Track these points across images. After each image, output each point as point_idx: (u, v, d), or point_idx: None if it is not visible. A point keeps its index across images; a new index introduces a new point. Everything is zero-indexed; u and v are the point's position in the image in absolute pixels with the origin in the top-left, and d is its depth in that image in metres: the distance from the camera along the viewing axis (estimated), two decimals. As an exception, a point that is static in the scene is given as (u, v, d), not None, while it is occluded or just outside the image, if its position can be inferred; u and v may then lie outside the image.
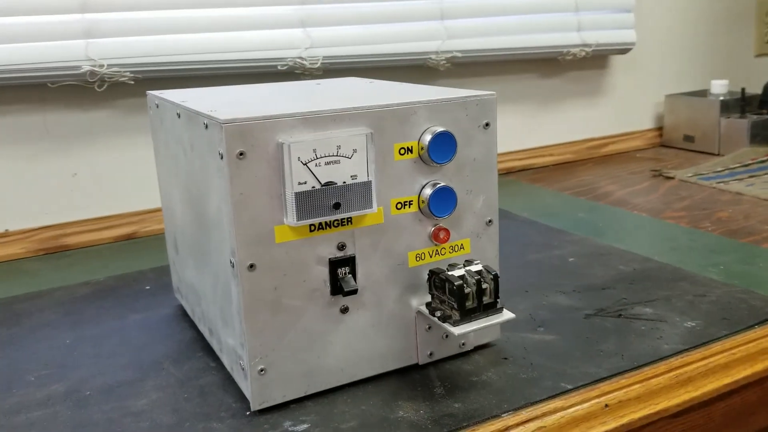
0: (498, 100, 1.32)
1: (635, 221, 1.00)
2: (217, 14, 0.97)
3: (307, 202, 0.51)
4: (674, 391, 0.58)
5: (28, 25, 0.86)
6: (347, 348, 0.56)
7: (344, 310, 0.55)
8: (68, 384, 0.59)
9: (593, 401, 0.55)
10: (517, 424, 0.52)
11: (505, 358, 0.61)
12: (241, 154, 0.49)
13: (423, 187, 0.56)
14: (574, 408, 0.54)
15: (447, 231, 0.57)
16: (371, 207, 0.53)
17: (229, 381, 0.58)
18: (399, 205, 0.56)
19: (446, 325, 0.54)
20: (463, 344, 0.61)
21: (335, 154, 0.51)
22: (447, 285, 0.54)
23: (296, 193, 0.50)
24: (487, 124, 0.58)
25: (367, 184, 0.53)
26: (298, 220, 0.51)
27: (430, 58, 1.15)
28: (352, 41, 1.06)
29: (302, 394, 0.55)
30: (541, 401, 0.54)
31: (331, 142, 0.51)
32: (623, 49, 1.38)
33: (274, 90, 0.68)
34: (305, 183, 0.51)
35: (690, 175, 1.23)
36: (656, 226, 0.97)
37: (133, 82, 0.92)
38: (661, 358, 0.60)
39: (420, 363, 0.59)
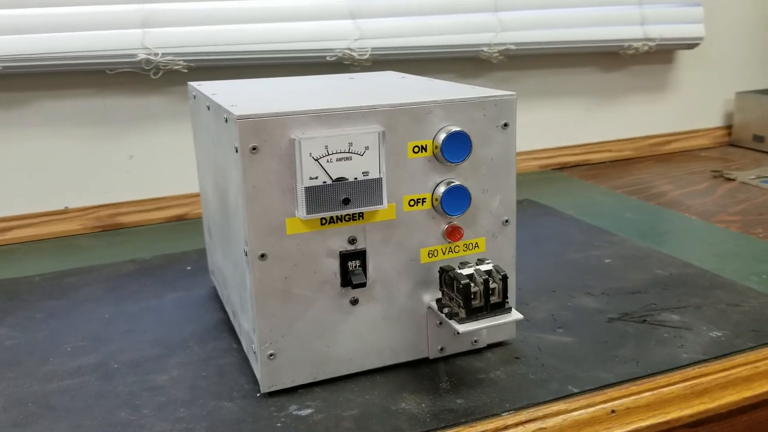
0: (555, 93, 1.30)
1: (683, 224, 0.97)
2: (269, 5, 1.00)
3: (317, 196, 0.52)
4: (688, 402, 0.57)
5: (89, 14, 0.90)
6: (357, 339, 0.57)
7: (354, 302, 0.57)
8: (100, 356, 0.63)
9: (599, 406, 0.55)
10: (517, 424, 0.53)
11: (517, 358, 0.61)
12: (254, 148, 0.51)
13: (437, 186, 0.57)
14: (578, 412, 0.54)
15: (460, 229, 0.58)
16: (381, 203, 0.54)
17: (246, 363, 0.61)
18: (412, 202, 0.56)
19: (452, 322, 0.55)
20: (476, 341, 0.61)
21: (347, 150, 0.53)
22: (455, 283, 0.55)
23: (306, 188, 0.52)
24: (505, 125, 0.58)
25: (377, 181, 0.54)
26: (308, 214, 0.52)
27: (482, 51, 1.14)
28: (402, 33, 1.07)
29: (311, 380, 0.57)
30: (543, 403, 0.55)
31: (343, 139, 0.52)
32: (690, 44, 1.33)
33: (304, 84, 0.69)
34: (316, 178, 0.52)
35: (752, 177, 1.18)
36: (705, 229, 0.94)
37: (186, 71, 0.96)
38: (678, 367, 0.59)
39: (431, 357, 0.60)
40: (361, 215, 0.55)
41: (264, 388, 0.56)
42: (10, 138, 0.95)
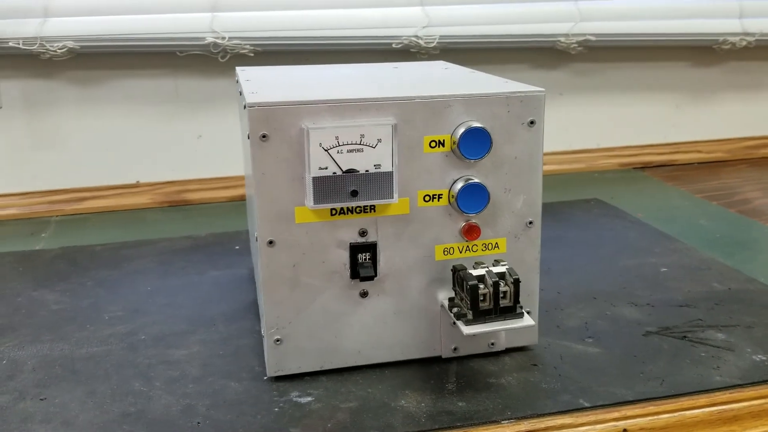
0: (640, 88, 1.24)
1: (762, 235, 0.90)
2: (337, -9, 1.00)
3: (325, 187, 0.52)
4: (713, 428, 0.53)
5: (162, -3, 0.94)
6: (366, 332, 0.57)
7: (364, 294, 0.56)
8: (131, 327, 0.66)
9: (609, 424, 0.52)
10: (516, 434, 0.51)
11: (535, 365, 0.59)
12: (263, 136, 0.51)
13: (455, 182, 0.55)
14: (584, 427, 0.52)
15: (477, 228, 0.56)
16: (391, 197, 0.53)
17: (263, 346, 0.62)
18: (427, 198, 0.55)
19: (459, 323, 0.54)
20: (492, 344, 0.60)
21: (359, 142, 0.52)
22: (464, 283, 0.54)
23: (314, 178, 0.52)
24: (532, 122, 0.55)
25: (388, 175, 0.53)
26: (315, 204, 0.52)
27: (559, 41, 1.10)
28: (473, 20, 1.05)
29: (318, 369, 0.57)
30: (548, 414, 0.52)
31: (355, 130, 0.52)
32: (798, 39, 1.22)
33: (342, 72, 0.69)
34: (326, 168, 0.52)
35: None
36: (783, 243, 0.87)
37: (252, 55, 0.98)
38: (706, 390, 0.55)
39: (444, 356, 0.59)
40: (372, 208, 0.54)
41: (270, 372, 0.57)
42: (88, 114, 1.01)
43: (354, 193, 0.53)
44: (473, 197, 0.55)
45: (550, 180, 1.16)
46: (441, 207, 0.56)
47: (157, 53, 0.98)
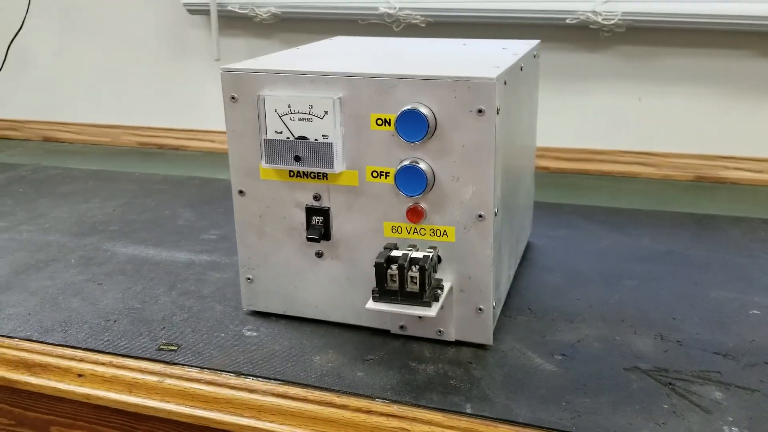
0: None
1: None
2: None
3: (275, 149, 0.58)
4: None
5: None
6: (321, 290, 0.61)
7: (319, 254, 0.61)
8: (206, 248, 0.80)
9: (473, 435, 0.49)
10: (381, 414, 0.51)
11: (471, 363, 0.57)
12: (233, 98, 0.59)
13: (401, 162, 0.56)
14: (450, 431, 0.50)
15: (419, 212, 0.56)
16: (332, 167, 0.56)
17: (274, 285, 0.70)
18: (374, 174, 0.57)
19: (371, 298, 0.55)
20: (440, 332, 0.59)
21: (308, 112, 0.56)
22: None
23: (265, 140, 0.58)
24: (480, 111, 0.52)
25: (330, 146, 0.56)
26: (266, 163, 0.58)
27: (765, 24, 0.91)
28: (666, -2, 0.93)
29: (282, 312, 0.64)
30: (423, 407, 0.51)
31: (304, 101, 0.56)
32: None
33: (396, 47, 0.71)
34: (281, 133, 0.57)
35: None
36: None
37: (423, 25, 1.03)
38: (615, 442, 0.48)
39: (392, 331, 0.60)
40: (325, 175, 0.58)
41: (243, 305, 0.65)
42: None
43: (297, 159, 0.57)
44: (411, 179, 0.55)
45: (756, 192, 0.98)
46: (388, 185, 0.57)
47: (343, 20, 1.09)
